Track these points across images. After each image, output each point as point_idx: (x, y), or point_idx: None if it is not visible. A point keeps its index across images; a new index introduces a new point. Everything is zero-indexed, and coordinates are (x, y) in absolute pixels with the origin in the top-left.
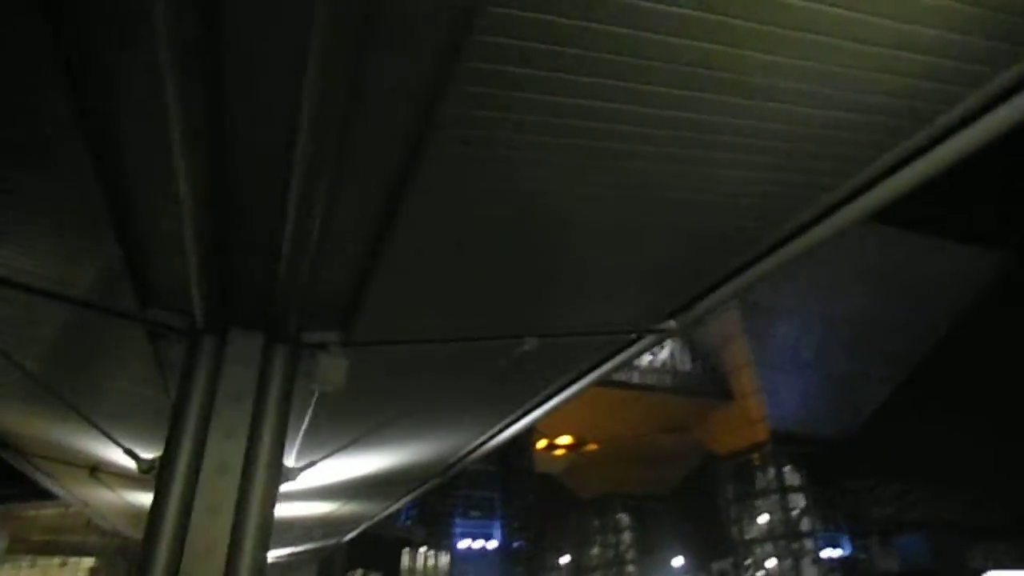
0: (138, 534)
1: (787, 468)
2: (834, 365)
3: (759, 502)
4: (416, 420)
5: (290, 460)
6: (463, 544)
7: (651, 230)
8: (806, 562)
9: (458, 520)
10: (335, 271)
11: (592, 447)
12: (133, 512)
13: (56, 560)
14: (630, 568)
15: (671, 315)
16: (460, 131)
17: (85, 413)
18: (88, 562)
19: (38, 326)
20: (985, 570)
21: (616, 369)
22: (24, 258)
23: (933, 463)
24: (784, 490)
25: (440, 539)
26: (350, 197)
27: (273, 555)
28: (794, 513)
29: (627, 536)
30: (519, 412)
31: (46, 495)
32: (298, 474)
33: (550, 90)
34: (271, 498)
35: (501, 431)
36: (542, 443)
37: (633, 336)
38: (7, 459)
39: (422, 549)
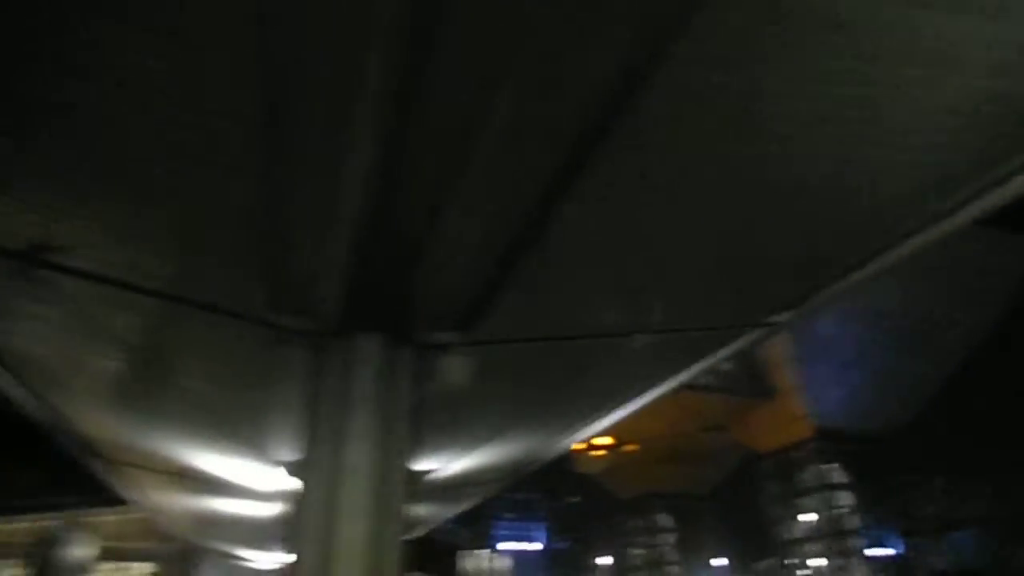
0: (202, 539)
1: (832, 465)
2: (880, 359)
3: (804, 500)
4: (519, 420)
5: (414, 463)
6: (505, 546)
7: (798, 216)
8: (854, 561)
9: (500, 522)
10: (463, 275)
11: (631, 447)
12: (204, 518)
13: (109, 566)
14: (672, 569)
15: (785, 307)
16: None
17: (215, 420)
18: (145, 568)
19: (160, 331)
20: None
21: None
22: (155, 261)
23: (985, 459)
24: (829, 487)
25: (482, 541)
26: (492, 206)
27: None
28: (840, 511)
29: (668, 536)
30: (610, 407)
31: (114, 502)
32: (422, 477)
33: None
34: (405, 500)
35: (586, 427)
36: (581, 444)
37: (741, 329)
38: (95, 468)
39: (481, 552)
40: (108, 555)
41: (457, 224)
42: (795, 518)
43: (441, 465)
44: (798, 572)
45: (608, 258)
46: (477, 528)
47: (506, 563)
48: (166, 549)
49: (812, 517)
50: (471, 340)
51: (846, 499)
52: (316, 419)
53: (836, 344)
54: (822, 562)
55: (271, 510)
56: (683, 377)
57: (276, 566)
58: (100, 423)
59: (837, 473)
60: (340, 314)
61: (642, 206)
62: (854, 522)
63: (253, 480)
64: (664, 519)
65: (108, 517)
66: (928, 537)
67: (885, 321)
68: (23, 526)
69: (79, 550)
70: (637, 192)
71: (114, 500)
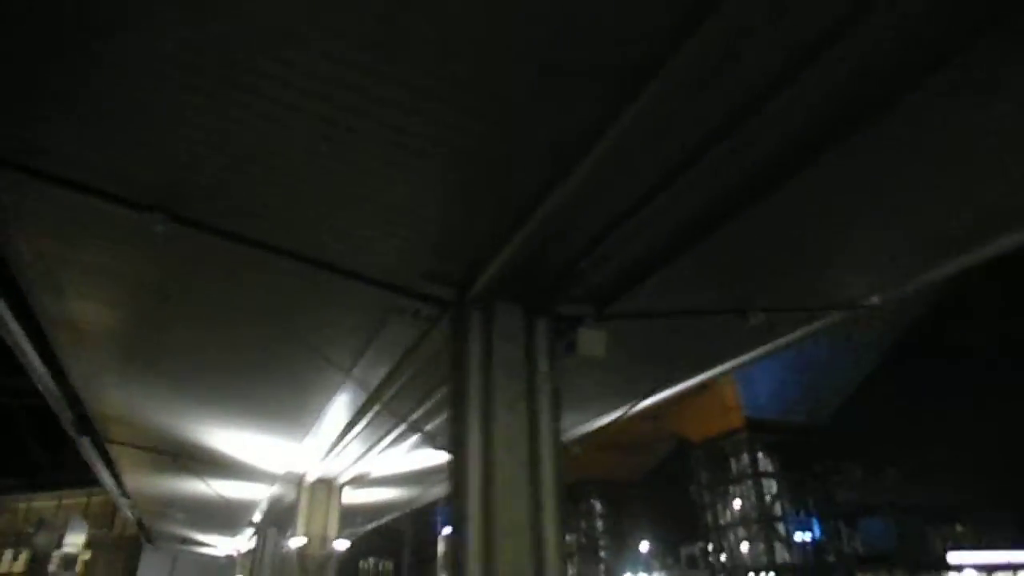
0: (166, 523)
1: (760, 455)
2: (807, 355)
3: (732, 488)
4: (624, 391)
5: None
6: (446, 531)
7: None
8: (778, 545)
9: (439, 508)
10: (611, 250)
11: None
12: (184, 500)
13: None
14: (602, 554)
15: (877, 290)
16: None
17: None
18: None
19: (295, 300)
20: (946, 552)
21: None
22: (307, 228)
23: (898, 449)
24: (757, 476)
25: (428, 530)
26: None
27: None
28: (767, 499)
29: (600, 523)
30: (694, 377)
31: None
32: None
33: None
34: (560, 471)
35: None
36: None
37: (838, 310)
38: (82, 447)
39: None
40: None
41: (603, 216)
42: (725, 505)
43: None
44: (719, 557)
45: (737, 243)
46: (419, 516)
47: None
48: (103, 535)
49: (740, 504)
50: (602, 314)
51: (773, 487)
52: (463, 391)
53: None
54: (745, 546)
55: (261, 493)
56: (758, 352)
57: (230, 552)
58: (137, 404)
59: (765, 462)
60: (481, 285)
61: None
62: (780, 509)
63: (262, 460)
64: (597, 505)
65: (45, 502)
66: (845, 523)
67: None
68: None
69: (72, 536)
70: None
71: (52, 484)
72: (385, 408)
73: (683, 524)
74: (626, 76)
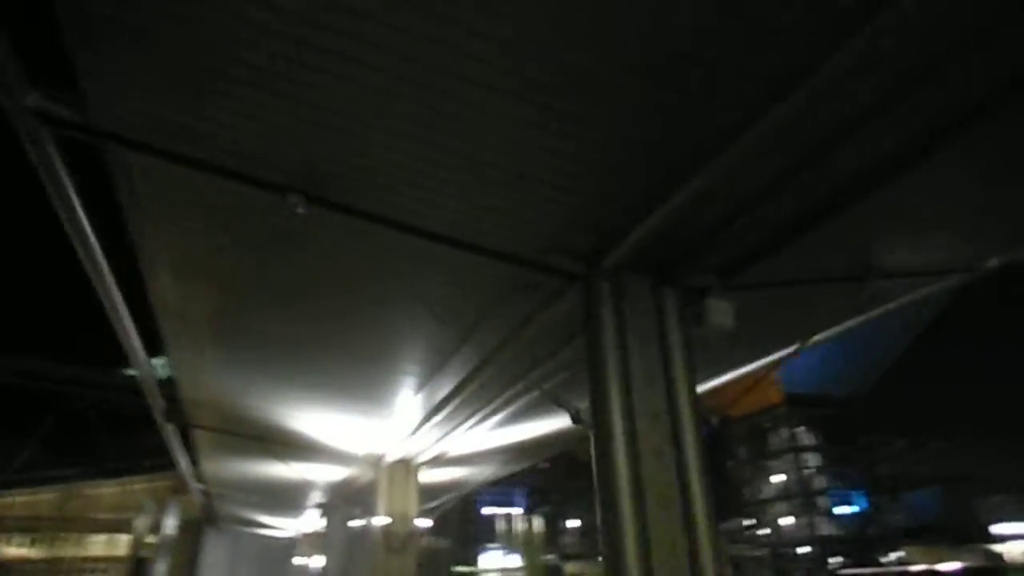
0: (235, 506)
1: (800, 429)
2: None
3: (772, 463)
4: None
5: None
6: (488, 511)
7: None
8: (821, 520)
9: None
10: (747, 222)
11: None
12: (259, 483)
13: (102, 538)
14: None
15: (996, 252)
16: None
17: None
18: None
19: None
20: (992, 523)
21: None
22: (435, 206)
23: (942, 422)
24: (798, 450)
25: (467, 507)
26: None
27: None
28: (808, 473)
29: None
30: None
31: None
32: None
33: None
34: (700, 441)
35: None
36: None
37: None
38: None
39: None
40: (105, 527)
41: (752, 188)
42: (765, 480)
43: None
44: (758, 531)
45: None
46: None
47: (540, 524)
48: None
49: (781, 478)
50: (728, 284)
51: (813, 461)
52: (601, 363)
53: None
54: (790, 520)
55: (336, 474)
56: (853, 322)
57: (290, 534)
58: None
59: (806, 436)
60: (615, 258)
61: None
62: (821, 482)
63: (343, 442)
64: None
65: (108, 489)
66: (889, 495)
67: None
68: (21, 499)
69: (168, 519)
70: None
71: (115, 472)
72: (498, 373)
73: (720, 501)
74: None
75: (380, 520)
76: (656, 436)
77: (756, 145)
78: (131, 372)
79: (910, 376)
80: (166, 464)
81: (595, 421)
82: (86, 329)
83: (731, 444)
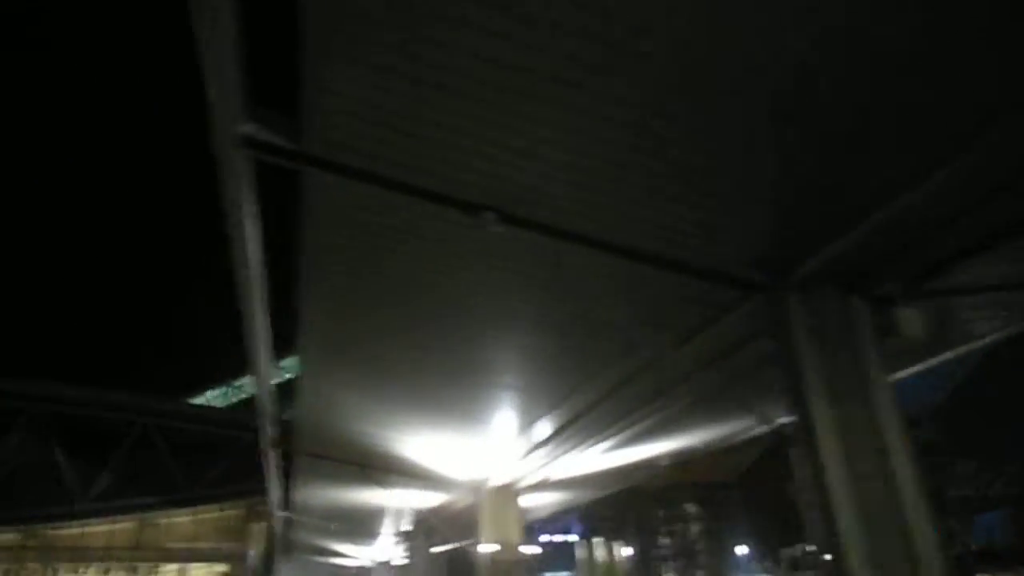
0: (315, 535)
1: None
2: None
3: None
4: None
5: None
6: (544, 538)
7: None
8: None
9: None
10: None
11: None
12: (347, 510)
13: (172, 567)
14: (700, 558)
15: None
16: None
17: None
18: (217, 567)
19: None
20: None
21: None
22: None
23: (1011, 442)
24: None
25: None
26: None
27: None
28: None
29: (695, 526)
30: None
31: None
32: None
33: None
34: (913, 457)
35: None
36: None
37: None
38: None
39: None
40: (177, 557)
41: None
42: None
43: None
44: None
45: None
46: None
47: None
48: (238, 548)
49: None
50: (913, 293)
51: None
52: (800, 376)
53: None
54: None
55: (431, 500)
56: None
57: (363, 562)
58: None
59: None
60: (806, 270)
61: None
62: None
63: (446, 467)
64: (691, 508)
65: (181, 518)
66: (959, 518)
67: None
68: (100, 529)
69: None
70: None
71: (187, 501)
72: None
73: (783, 525)
74: None
75: (486, 547)
76: (866, 452)
77: (965, 171)
78: (197, 401)
79: (976, 395)
80: (240, 492)
81: (801, 437)
82: (149, 359)
83: (792, 465)
